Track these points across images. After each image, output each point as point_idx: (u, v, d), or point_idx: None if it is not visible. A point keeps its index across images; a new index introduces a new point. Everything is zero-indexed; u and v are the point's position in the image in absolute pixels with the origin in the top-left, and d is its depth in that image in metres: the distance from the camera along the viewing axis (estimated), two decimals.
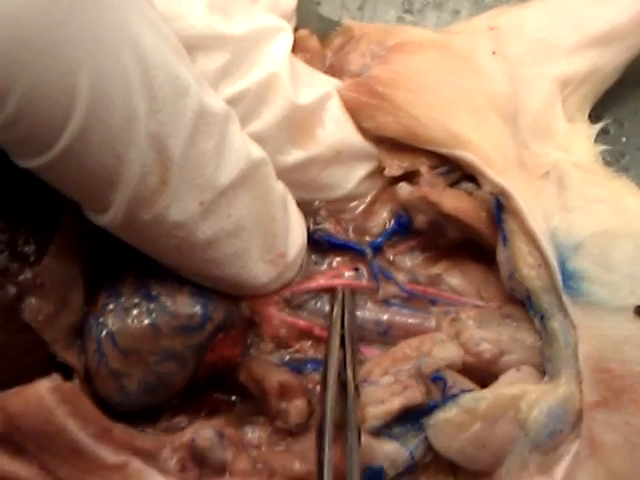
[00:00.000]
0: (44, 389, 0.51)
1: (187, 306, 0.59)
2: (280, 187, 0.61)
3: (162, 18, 0.53)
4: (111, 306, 0.58)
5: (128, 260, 0.59)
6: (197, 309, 0.59)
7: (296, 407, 0.59)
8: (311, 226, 0.65)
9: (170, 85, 0.51)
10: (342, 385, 0.56)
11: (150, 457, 0.55)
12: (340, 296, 0.62)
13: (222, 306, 0.60)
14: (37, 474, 0.52)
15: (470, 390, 0.58)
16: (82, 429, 0.52)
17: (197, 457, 0.55)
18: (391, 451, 0.57)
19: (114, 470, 0.53)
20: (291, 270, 0.63)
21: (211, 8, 0.59)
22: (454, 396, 0.57)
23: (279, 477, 0.56)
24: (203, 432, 0.55)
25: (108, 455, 0.53)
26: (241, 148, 0.56)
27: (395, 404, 0.57)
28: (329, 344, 0.58)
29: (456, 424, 0.57)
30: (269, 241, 0.60)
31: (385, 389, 0.58)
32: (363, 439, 0.56)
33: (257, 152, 0.58)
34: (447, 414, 0.57)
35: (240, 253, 0.58)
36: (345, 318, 0.60)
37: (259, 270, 0.60)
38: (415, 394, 0.57)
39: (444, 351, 0.59)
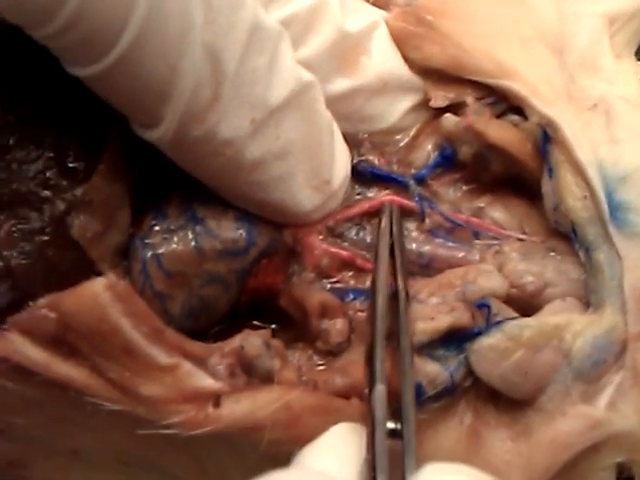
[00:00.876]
0: (99, 286, 0.51)
1: (232, 230, 0.58)
2: (328, 114, 0.60)
3: None
4: (157, 228, 0.58)
5: (175, 183, 0.59)
6: (241, 233, 0.59)
7: (337, 327, 0.59)
8: (355, 157, 0.64)
9: None
10: (392, 296, 0.55)
11: (200, 361, 0.54)
12: (388, 209, 0.61)
13: (266, 232, 0.60)
14: (88, 376, 0.52)
15: (514, 318, 0.57)
16: (135, 328, 0.52)
17: (245, 364, 0.55)
18: (431, 371, 0.56)
19: (166, 371, 0.53)
20: (335, 199, 0.62)
21: None
22: (498, 323, 0.57)
23: (322, 392, 0.56)
24: (252, 339, 0.55)
25: (160, 355, 0.53)
26: (292, 68, 0.56)
27: (444, 322, 0.56)
28: (378, 253, 0.57)
29: (499, 350, 0.56)
30: (315, 167, 0.59)
31: (433, 308, 0.58)
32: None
33: (307, 75, 0.57)
34: (491, 340, 0.56)
35: (285, 177, 0.57)
36: (394, 229, 0.59)
37: (304, 196, 0.59)
38: (463, 315, 0.56)
39: (489, 281, 0.59)
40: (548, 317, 0.58)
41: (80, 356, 0.52)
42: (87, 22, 0.47)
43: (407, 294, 0.55)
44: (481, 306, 0.58)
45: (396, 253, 0.57)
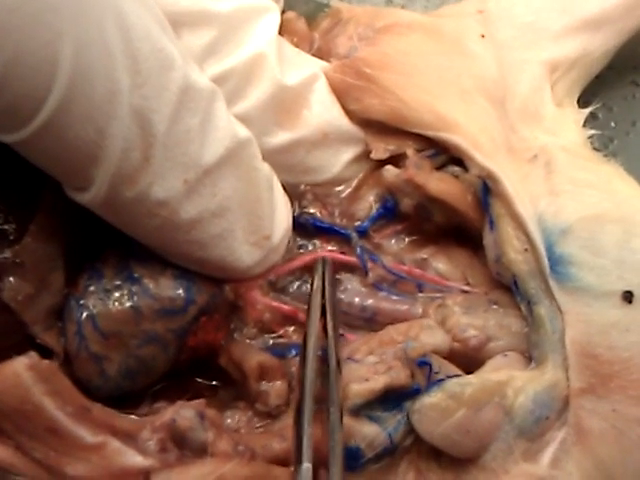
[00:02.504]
0: (21, 366, 0.49)
1: (170, 289, 0.57)
2: (266, 168, 0.59)
3: None
4: (92, 288, 0.56)
5: (110, 241, 0.57)
6: (180, 292, 0.57)
7: (276, 388, 0.57)
8: (296, 209, 0.63)
9: (155, 58, 0.49)
10: (322, 361, 0.54)
11: (129, 438, 0.52)
12: (320, 266, 0.60)
13: (206, 289, 0.58)
14: (13, 455, 0.51)
15: (456, 375, 0.56)
16: (59, 408, 0.50)
17: (177, 438, 0.53)
18: (369, 433, 0.55)
19: (92, 450, 0.51)
20: (276, 253, 0.61)
21: None
22: (439, 381, 0.55)
23: (260, 458, 0.54)
24: (184, 412, 0.53)
25: (86, 435, 0.51)
26: (227, 126, 0.54)
27: (379, 382, 0.54)
28: (309, 315, 0.56)
29: (441, 409, 0.55)
30: (254, 223, 0.57)
31: (369, 367, 0.56)
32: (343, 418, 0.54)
33: (243, 131, 0.56)
34: (432, 399, 0.55)
35: (225, 234, 0.56)
36: (326, 288, 0.58)
37: (244, 252, 0.58)
38: (399, 374, 0.55)
39: (431, 337, 0.58)
40: (489, 374, 0.56)
41: (4, 435, 0.50)
42: (9, 89, 0.45)
43: (338, 361, 0.54)
44: (422, 364, 0.56)
45: (328, 315, 0.56)
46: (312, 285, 0.59)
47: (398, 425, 0.55)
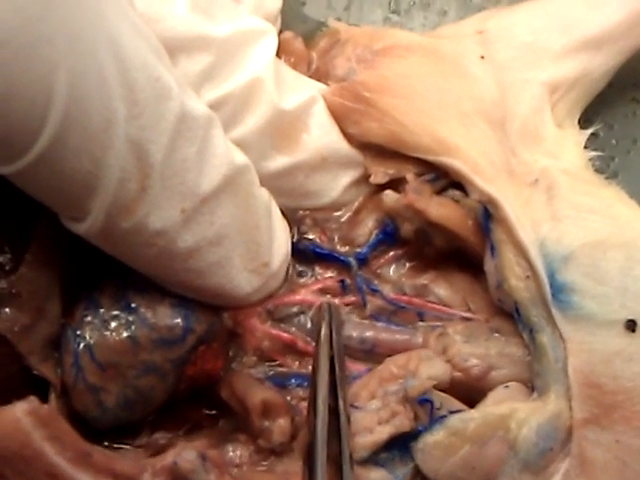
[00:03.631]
0: (20, 412, 0.48)
1: (168, 318, 0.55)
2: (264, 194, 0.57)
3: (143, 19, 0.50)
4: (89, 318, 0.55)
5: (107, 270, 0.56)
6: (178, 321, 0.55)
7: (279, 426, 0.55)
8: (295, 235, 0.61)
9: (151, 88, 0.48)
10: (331, 411, 0.52)
11: None
12: (327, 314, 0.58)
13: (204, 318, 0.57)
14: None
15: (458, 411, 0.55)
16: (59, 453, 0.49)
17: None
18: (377, 478, 0.54)
19: None
20: (275, 280, 0.59)
21: (194, 9, 0.56)
22: (442, 418, 0.54)
23: None
24: (185, 454, 0.52)
25: None
26: (224, 153, 0.53)
27: (384, 434, 0.54)
28: (317, 367, 0.54)
29: (444, 447, 0.54)
30: (253, 250, 0.56)
31: (373, 416, 0.55)
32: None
33: (240, 158, 0.55)
34: (435, 437, 0.54)
35: (223, 262, 0.55)
36: (333, 338, 0.56)
37: (242, 280, 0.56)
38: (404, 422, 0.54)
39: (431, 368, 0.56)
40: (491, 407, 0.55)
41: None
42: (3, 121, 0.44)
43: (348, 417, 0.53)
44: (423, 402, 0.55)
45: (337, 370, 0.54)
46: (319, 332, 0.57)
47: (404, 468, 0.54)
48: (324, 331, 0.56)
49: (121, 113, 0.47)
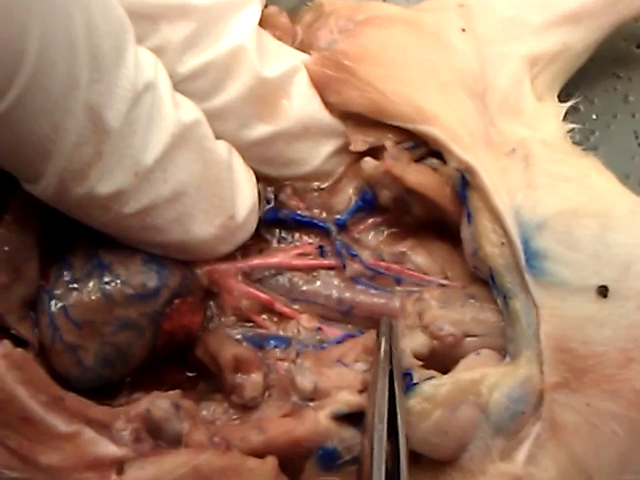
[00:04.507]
0: None
1: (140, 273, 0.55)
2: (222, 147, 0.57)
3: None
4: (62, 279, 0.55)
5: (80, 231, 0.55)
6: (151, 276, 0.55)
7: (251, 381, 0.56)
8: (273, 202, 0.61)
9: (112, 56, 0.48)
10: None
11: (103, 427, 0.51)
12: (387, 329, 0.57)
13: (177, 272, 0.57)
14: None
15: (430, 378, 0.54)
16: (32, 397, 0.48)
17: (152, 428, 0.51)
18: (348, 437, 0.54)
19: (65, 440, 0.49)
20: (243, 231, 0.59)
21: None
22: (414, 385, 0.54)
23: (237, 450, 0.52)
24: (159, 402, 0.52)
25: (59, 424, 0.49)
26: (171, 114, 0.52)
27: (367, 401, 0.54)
28: (376, 382, 0.53)
29: (417, 412, 0.53)
30: (216, 204, 0.56)
31: (357, 375, 0.55)
32: (322, 417, 0.53)
33: (188, 115, 0.54)
34: (408, 403, 0.53)
35: (182, 218, 0.54)
36: (393, 354, 0.55)
37: (207, 234, 0.56)
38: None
39: (412, 341, 0.57)
40: (462, 373, 0.55)
41: None
42: None
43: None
44: (405, 375, 0.55)
45: (396, 385, 0.53)
46: (379, 347, 0.56)
47: None
48: (384, 347, 0.55)
49: (83, 79, 0.47)
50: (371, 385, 0.54)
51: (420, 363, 0.56)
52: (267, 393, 0.56)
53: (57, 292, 0.54)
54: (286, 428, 0.53)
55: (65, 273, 0.55)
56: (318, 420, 0.53)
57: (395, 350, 0.55)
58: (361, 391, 0.55)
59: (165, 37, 0.55)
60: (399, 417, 0.51)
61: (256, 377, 0.55)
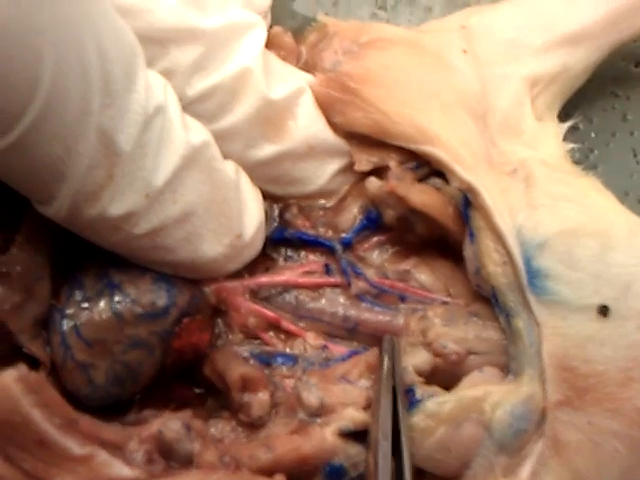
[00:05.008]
0: (9, 379, 0.48)
1: (149, 292, 0.56)
2: (229, 167, 0.57)
3: (132, 10, 0.53)
4: (74, 298, 0.55)
5: (91, 250, 0.56)
6: (160, 295, 0.56)
7: (258, 400, 0.56)
8: (277, 221, 0.62)
9: (123, 81, 0.49)
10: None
11: (116, 449, 0.51)
12: (389, 346, 0.58)
13: (186, 291, 0.57)
14: (2, 466, 0.49)
15: (433, 395, 0.55)
16: (48, 419, 0.49)
17: (164, 449, 0.52)
18: (354, 454, 0.54)
19: (80, 462, 0.49)
20: (250, 249, 0.60)
21: (184, 1, 0.56)
22: (418, 402, 0.54)
23: (246, 469, 0.53)
24: (170, 424, 0.52)
25: (74, 446, 0.49)
26: (180, 136, 0.53)
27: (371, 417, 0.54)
28: (379, 399, 0.54)
29: (420, 429, 0.54)
30: (223, 223, 0.56)
31: (361, 391, 0.56)
32: (328, 434, 0.53)
33: (197, 137, 0.54)
34: (411, 420, 0.54)
35: (191, 238, 0.55)
36: (395, 371, 0.56)
37: (215, 253, 0.57)
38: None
39: (414, 357, 0.57)
40: (466, 390, 0.55)
41: None
42: None
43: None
44: (407, 391, 0.55)
45: (399, 402, 0.54)
46: (381, 365, 0.56)
47: None
48: (386, 364, 0.56)
49: (96, 104, 0.47)
50: (374, 402, 0.55)
51: (422, 380, 0.57)
52: (274, 411, 0.56)
53: (69, 311, 0.55)
54: (293, 445, 0.53)
55: (76, 292, 0.55)
56: (324, 437, 0.54)
57: (398, 367, 0.56)
58: (365, 408, 0.55)
59: (174, 61, 0.56)
60: (402, 434, 0.52)
61: (263, 396, 0.56)
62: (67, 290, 0.56)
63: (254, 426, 0.56)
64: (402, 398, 0.54)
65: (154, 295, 0.56)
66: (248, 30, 0.59)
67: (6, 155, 0.47)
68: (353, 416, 0.54)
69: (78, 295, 0.55)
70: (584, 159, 0.70)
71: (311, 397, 0.55)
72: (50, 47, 0.44)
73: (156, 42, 0.55)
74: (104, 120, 0.48)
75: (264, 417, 0.56)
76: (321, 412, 0.55)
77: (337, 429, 0.54)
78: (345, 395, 0.55)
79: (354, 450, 0.54)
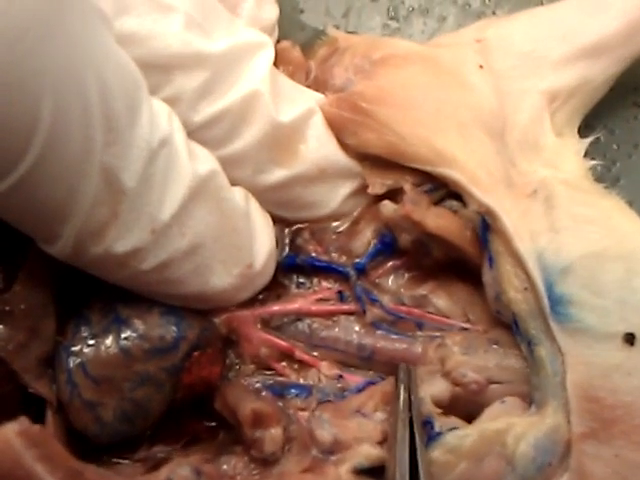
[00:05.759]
0: (11, 433, 0.46)
1: (158, 327, 0.54)
2: (237, 195, 0.56)
3: (136, 37, 0.51)
4: (80, 334, 0.54)
5: (97, 284, 0.54)
6: (169, 329, 0.54)
7: (271, 436, 0.54)
8: (287, 248, 0.60)
9: (126, 116, 0.47)
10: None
11: None
12: (405, 376, 0.56)
13: (196, 323, 0.56)
14: None
15: (454, 429, 0.53)
16: (50, 473, 0.47)
17: None
18: None
19: None
20: (262, 277, 0.58)
21: (188, 25, 0.54)
22: (438, 435, 0.53)
23: None
24: (180, 470, 0.51)
25: None
26: (186, 167, 0.51)
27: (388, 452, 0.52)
28: (396, 432, 0.52)
29: (441, 464, 0.52)
30: (234, 254, 0.55)
31: (376, 425, 0.54)
32: (343, 473, 0.51)
33: (204, 166, 0.53)
34: (431, 455, 0.52)
35: (201, 270, 0.53)
36: (412, 402, 0.54)
37: (225, 284, 0.55)
38: None
39: (432, 386, 0.56)
40: (488, 423, 0.53)
41: None
42: None
43: None
44: (425, 423, 0.53)
45: (416, 433, 0.52)
46: (398, 396, 0.54)
47: None
48: (403, 395, 0.54)
49: (98, 142, 0.46)
50: (391, 436, 0.53)
51: (439, 411, 0.55)
52: (287, 447, 0.55)
53: (75, 349, 0.53)
54: None
55: (83, 329, 0.54)
56: (339, 476, 0.52)
57: (415, 398, 0.54)
58: (381, 442, 0.54)
59: (179, 87, 0.54)
60: (420, 469, 0.50)
61: (275, 432, 0.54)
62: (73, 327, 0.54)
63: (267, 462, 0.54)
64: (419, 432, 0.52)
65: (162, 329, 0.54)
66: (255, 51, 0.57)
67: (6, 197, 0.45)
68: (368, 453, 0.53)
69: (84, 331, 0.54)
70: (606, 172, 0.68)
71: (325, 434, 0.54)
72: (49, 90, 0.43)
73: (160, 69, 0.53)
74: (107, 158, 0.47)
75: (277, 453, 0.54)
76: (335, 449, 0.54)
77: (352, 467, 0.52)
78: (360, 430, 0.54)
79: None
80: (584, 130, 0.65)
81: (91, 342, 0.53)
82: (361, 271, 0.60)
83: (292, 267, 0.60)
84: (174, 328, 0.54)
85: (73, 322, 0.55)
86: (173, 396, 0.55)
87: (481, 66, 0.61)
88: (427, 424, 0.53)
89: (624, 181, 0.68)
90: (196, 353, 0.55)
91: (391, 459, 0.51)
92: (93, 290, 0.55)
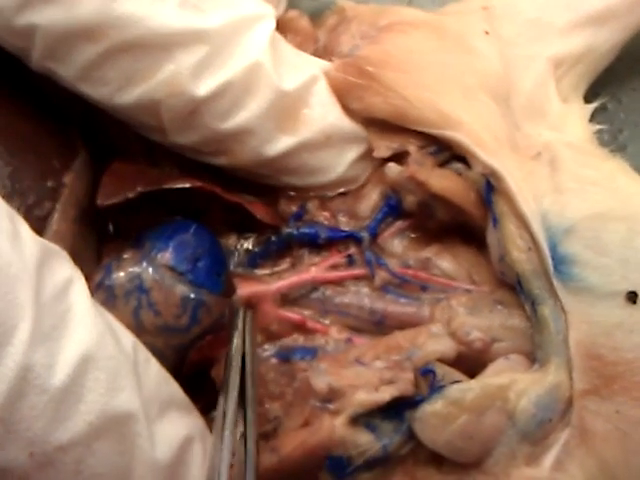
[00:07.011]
0: None
1: (175, 307, 0.54)
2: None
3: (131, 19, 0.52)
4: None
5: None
6: (187, 311, 0.54)
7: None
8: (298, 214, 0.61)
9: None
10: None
11: None
12: (240, 321, 0.55)
13: (215, 309, 0.55)
14: None
15: (457, 382, 0.54)
16: None
17: None
18: (363, 442, 0.53)
19: None
20: None
21: (184, 4, 0.54)
22: (441, 387, 0.53)
23: None
24: None
25: None
26: (95, 400, 0.45)
27: (385, 396, 0.53)
28: (226, 384, 0.51)
29: (443, 416, 0.52)
30: None
31: (375, 372, 0.54)
32: (339, 425, 0.52)
33: (121, 405, 0.46)
34: (433, 406, 0.53)
35: None
36: (246, 347, 0.53)
37: None
38: (407, 386, 0.53)
39: (437, 344, 0.56)
40: (491, 378, 0.54)
41: None
42: None
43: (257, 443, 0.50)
44: (426, 372, 0.54)
45: (247, 384, 0.51)
46: (230, 342, 0.54)
47: (394, 436, 0.53)
48: (236, 341, 0.54)
49: None
50: (223, 383, 0.52)
51: (446, 367, 0.56)
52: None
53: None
54: (299, 440, 0.53)
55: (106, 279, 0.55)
56: (334, 428, 0.52)
57: (249, 344, 0.54)
58: (378, 387, 0.54)
59: (180, 63, 0.54)
60: (249, 417, 0.50)
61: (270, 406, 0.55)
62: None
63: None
64: (252, 379, 0.52)
65: (179, 310, 0.54)
66: (254, 23, 0.57)
67: None
68: (364, 399, 0.53)
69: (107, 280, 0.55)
70: (613, 140, 0.68)
71: (319, 382, 0.54)
72: None
73: (160, 47, 0.53)
74: None
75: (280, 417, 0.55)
76: (332, 397, 0.54)
77: (347, 418, 0.53)
78: (357, 377, 0.54)
79: (363, 439, 0.53)
80: (591, 98, 0.66)
81: (111, 300, 0.54)
82: (373, 235, 0.60)
83: (304, 236, 0.61)
84: (191, 312, 0.54)
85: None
86: (177, 372, 0.54)
87: (487, 32, 0.62)
88: (429, 372, 0.54)
89: (630, 149, 0.69)
90: (208, 337, 0.55)
91: (219, 408, 0.50)
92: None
